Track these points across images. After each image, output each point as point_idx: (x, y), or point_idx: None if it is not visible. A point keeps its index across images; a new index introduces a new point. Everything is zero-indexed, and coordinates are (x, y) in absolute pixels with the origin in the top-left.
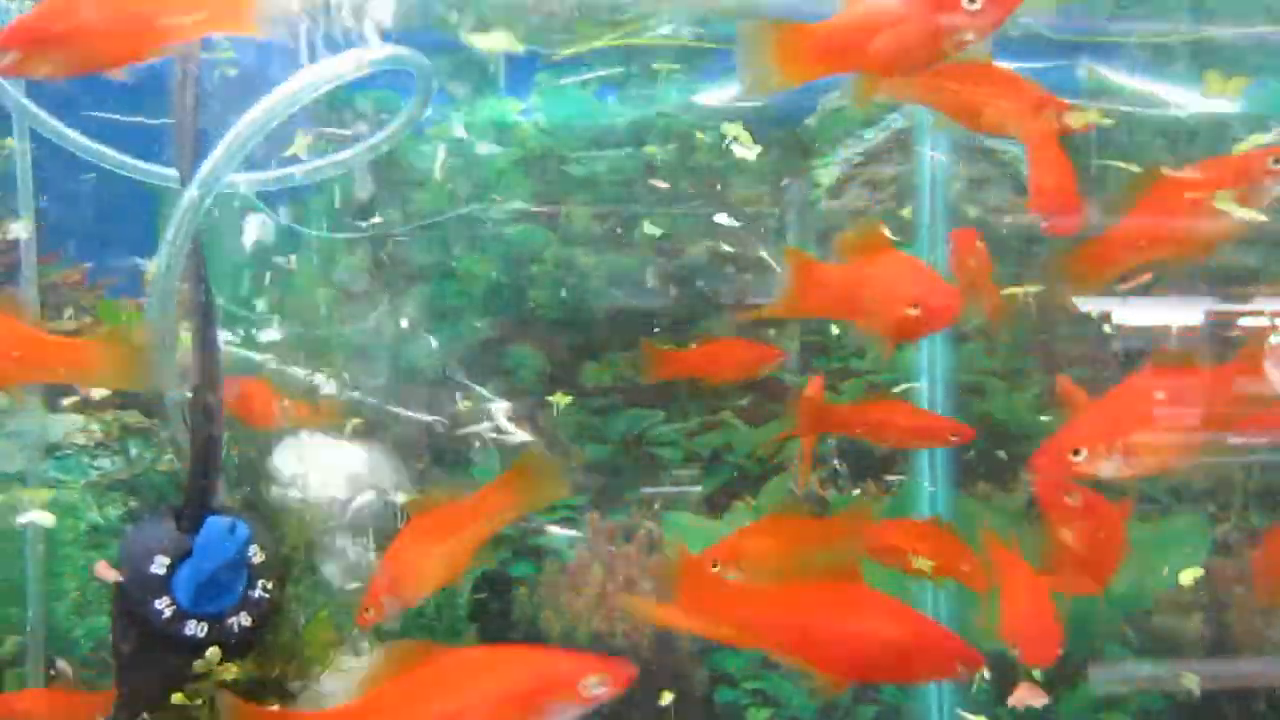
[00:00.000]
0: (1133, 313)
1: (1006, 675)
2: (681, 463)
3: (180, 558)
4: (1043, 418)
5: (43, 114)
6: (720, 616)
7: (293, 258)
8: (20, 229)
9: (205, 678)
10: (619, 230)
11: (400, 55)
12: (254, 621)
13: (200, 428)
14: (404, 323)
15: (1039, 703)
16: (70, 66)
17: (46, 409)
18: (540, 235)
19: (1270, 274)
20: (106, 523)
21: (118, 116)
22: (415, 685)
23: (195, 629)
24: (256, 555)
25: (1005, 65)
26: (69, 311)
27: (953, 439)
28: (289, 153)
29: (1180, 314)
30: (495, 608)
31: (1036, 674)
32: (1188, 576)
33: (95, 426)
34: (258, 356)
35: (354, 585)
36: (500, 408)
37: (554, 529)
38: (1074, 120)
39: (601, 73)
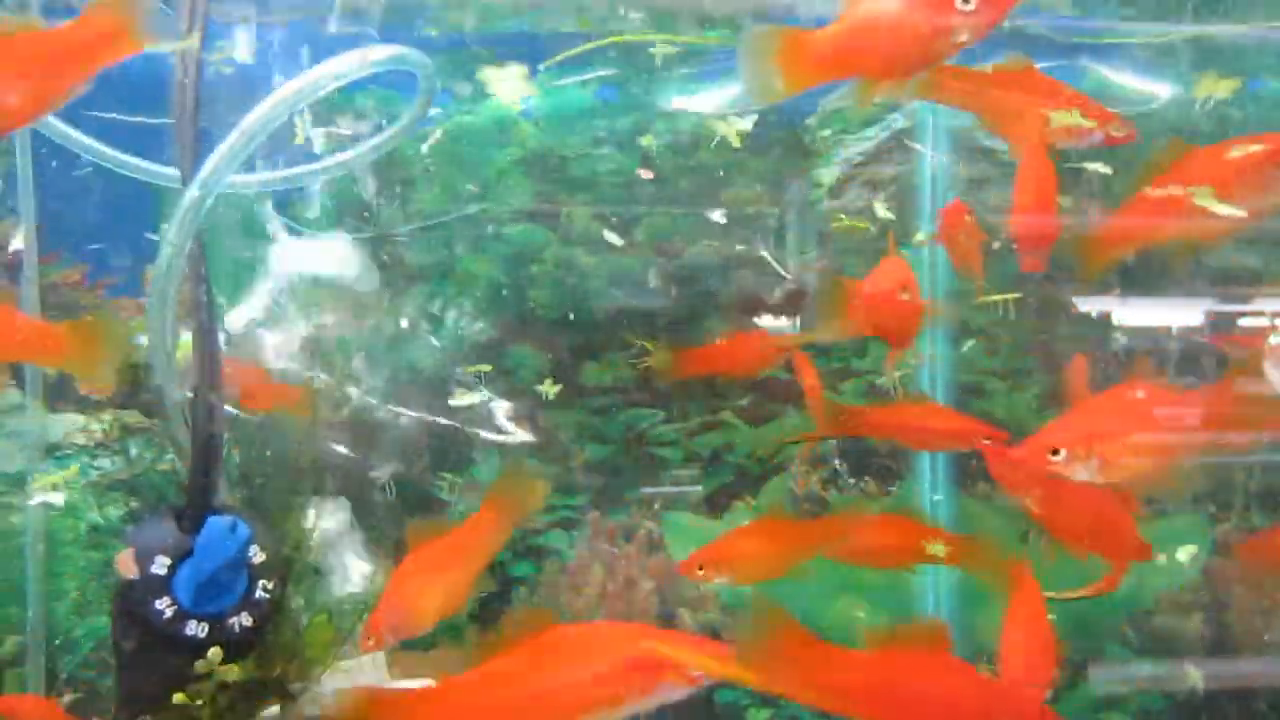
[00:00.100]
0: (1133, 313)
1: None
2: (681, 463)
3: (181, 557)
4: (1043, 417)
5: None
6: (799, 679)
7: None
8: (19, 240)
9: (206, 678)
10: (615, 228)
11: (403, 54)
12: (255, 621)
13: (201, 427)
14: (404, 322)
15: None
16: None
17: (47, 409)
18: (540, 235)
19: (1270, 274)
20: (107, 523)
21: (119, 116)
22: (534, 653)
23: (196, 629)
24: (257, 555)
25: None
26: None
27: (985, 442)
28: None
29: (1180, 314)
30: (496, 607)
31: None
32: (1184, 554)
33: (95, 426)
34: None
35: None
36: (500, 407)
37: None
38: (1117, 130)
39: (602, 73)
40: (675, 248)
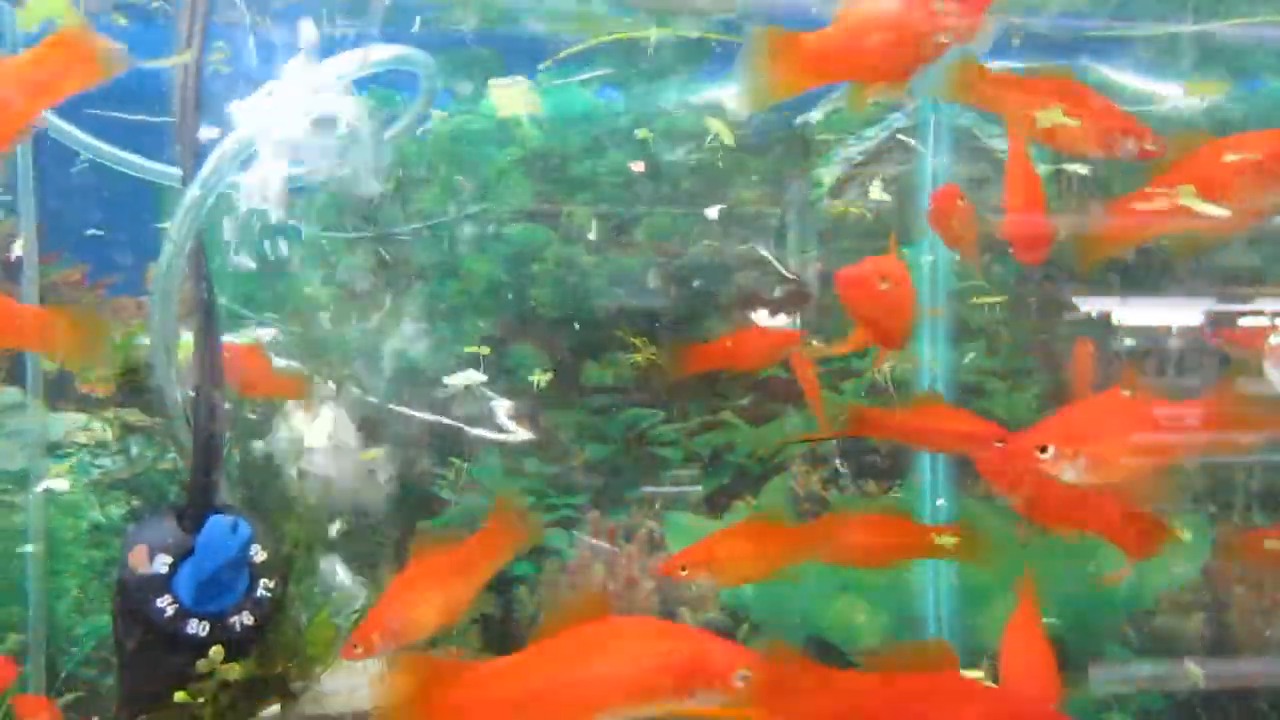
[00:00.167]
0: (1133, 313)
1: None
2: (682, 462)
3: (182, 556)
4: (1043, 417)
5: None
6: (799, 711)
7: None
8: (18, 247)
9: (208, 676)
10: (601, 221)
11: (405, 54)
12: (256, 620)
13: (202, 426)
14: (405, 322)
15: None
16: None
17: (47, 408)
18: (541, 234)
19: (1271, 274)
20: (108, 521)
21: (120, 115)
22: (581, 641)
23: (197, 628)
24: (258, 554)
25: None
26: None
27: (997, 445)
28: None
29: (1180, 314)
30: (496, 606)
31: None
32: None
33: (97, 425)
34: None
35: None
36: (501, 406)
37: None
38: (1152, 145)
39: (602, 71)
40: (675, 248)
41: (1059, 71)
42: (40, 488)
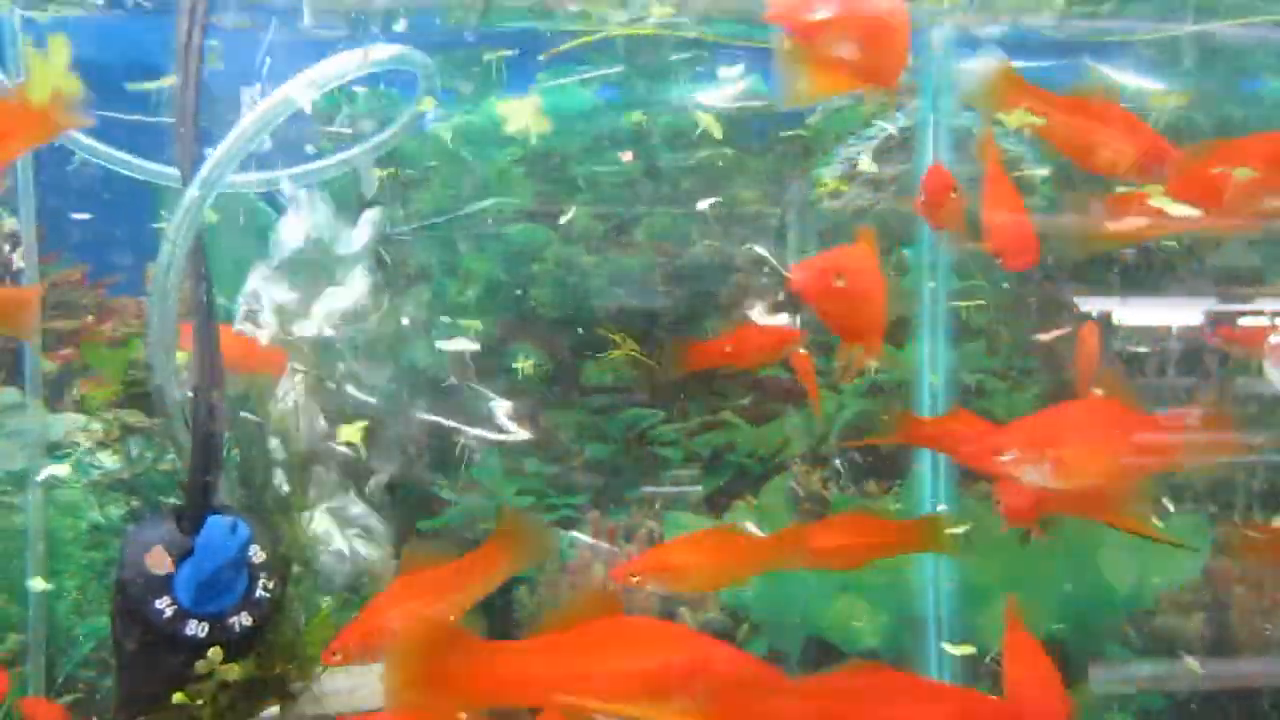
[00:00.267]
0: (1133, 313)
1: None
2: (682, 462)
3: (182, 557)
4: None
5: None
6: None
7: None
8: (18, 258)
9: (207, 677)
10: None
11: (404, 54)
12: (255, 621)
13: (201, 426)
14: (405, 322)
15: None
16: None
17: (47, 408)
18: (541, 234)
19: (1271, 274)
20: (108, 522)
21: (120, 115)
22: (593, 636)
23: (196, 628)
24: (257, 555)
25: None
26: None
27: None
28: None
29: (1180, 314)
30: (496, 606)
31: None
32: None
33: (96, 426)
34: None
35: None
36: (501, 407)
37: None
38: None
39: (602, 71)
40: (675, 248)
41: (1094, 89)
42: (42, 475)
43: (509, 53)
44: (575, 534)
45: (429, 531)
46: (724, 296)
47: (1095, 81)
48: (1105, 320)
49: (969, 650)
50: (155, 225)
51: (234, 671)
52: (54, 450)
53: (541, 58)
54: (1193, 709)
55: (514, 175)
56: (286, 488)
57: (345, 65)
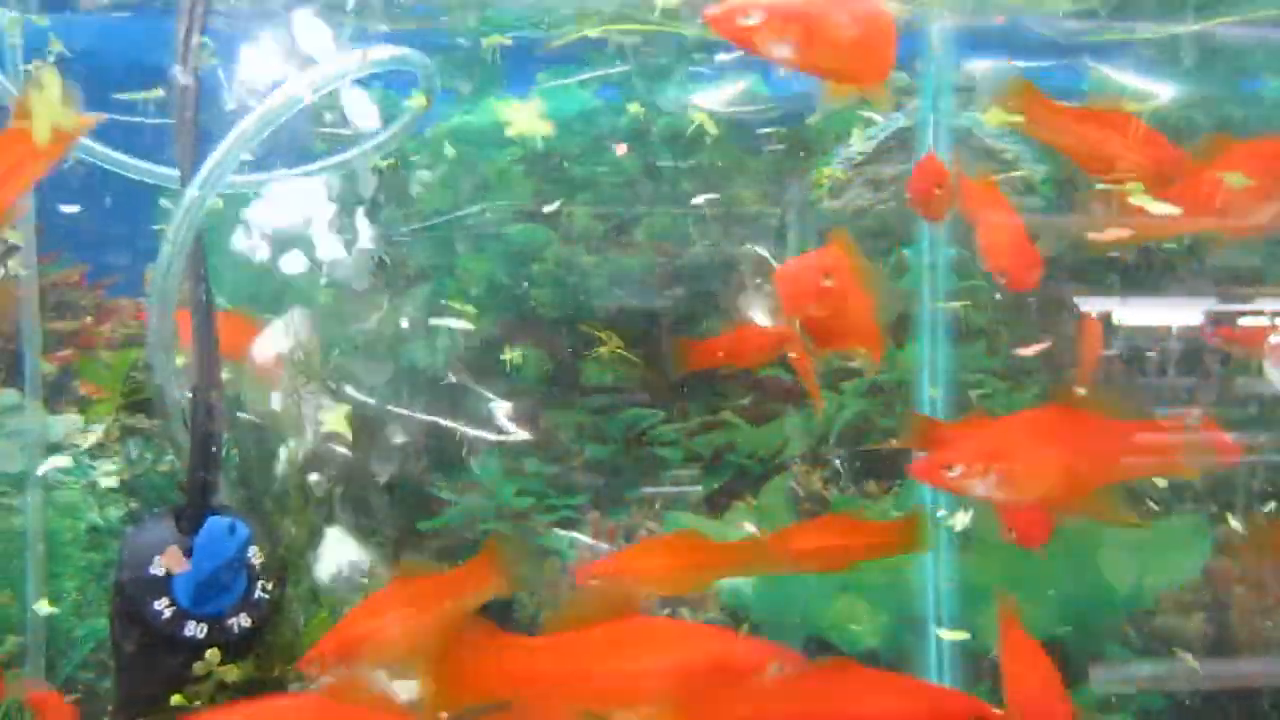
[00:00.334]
0: (1133, 313)
1: None
2: (682, 462)
3: None
4: None
5: None
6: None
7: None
8: (17, 265)
9: (205, 679)
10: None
11: (404, 55)
12: (254, 622)
13: (200, 427)
14: (404, 322)
15: None
16: None
17: (47, 409)
18: (541, 234)
19: (1271, 274)
20: (107, 523)
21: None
22: (611, 636)
23: (195, 629)
24: (256, 555)
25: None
26: None
27: None
28: None
29: (1180, 314)
30: (496, 605)
31: None
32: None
33: (96, 427)
34: None
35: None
36: (500, 407)
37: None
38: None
39: (602, 72)
40: (675, 248)
41: (1113, 102)
42: (43, 469)
43: (506, 40)
44: (575, 534)
45: (429, 531)
46: (724, 297)
47: (1109, 91)
48: (1105, 320)
49: (963, 635)
50: (155, 227)
51: (233, 673)
52: (54, 452)
53: (540, 52)
54: (1193, 709)
55: (514, 175)
56: (286, 488)
57: (346, 65)
